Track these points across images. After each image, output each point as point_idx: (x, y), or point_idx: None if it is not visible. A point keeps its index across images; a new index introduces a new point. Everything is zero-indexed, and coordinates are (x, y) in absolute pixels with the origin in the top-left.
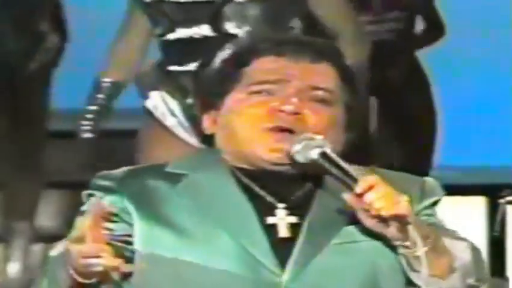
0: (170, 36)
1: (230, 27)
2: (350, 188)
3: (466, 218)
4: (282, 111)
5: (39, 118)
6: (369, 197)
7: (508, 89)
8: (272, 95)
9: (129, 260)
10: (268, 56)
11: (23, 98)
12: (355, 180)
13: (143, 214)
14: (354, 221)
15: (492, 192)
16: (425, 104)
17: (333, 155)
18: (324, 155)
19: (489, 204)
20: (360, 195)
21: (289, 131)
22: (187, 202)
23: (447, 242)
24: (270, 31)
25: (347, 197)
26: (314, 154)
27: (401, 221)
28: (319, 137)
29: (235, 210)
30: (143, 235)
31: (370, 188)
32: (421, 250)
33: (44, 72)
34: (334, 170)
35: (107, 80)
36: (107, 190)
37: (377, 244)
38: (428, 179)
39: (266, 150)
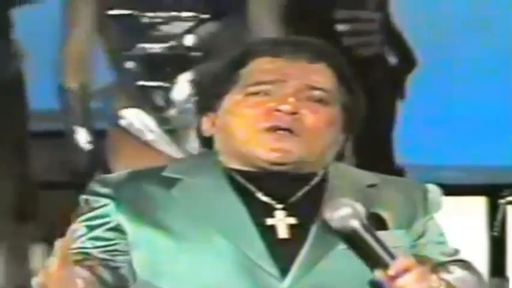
0: (137, 51)
1: (195, 44)
2: (383, 265)
3: (466, 218)
4: (279, 110)
5: (23, 120)
6: (402, 281)
7: (508, 88)
8: (269, 96)
9: (115, 272)
10: (264, 56)
11: (5, 100)
12: (391, 258)
13: (137, 222)
14: None
15: (492, 192)
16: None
17: (372, 228)
18: (364, 225)
19: (489, 204)
20: (392, 277)
21: (288, 130)
22: (182, 207)
23: (455, 281)
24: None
25: (378, 274)
26: (355, 223)
27: None
28: (358, 205)
29: (231, 214)
30: (137, 243)
31: (405, 271)
32: None
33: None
34: (372, 243)
35: (73, 86)
36: (102, 196)
37: None
38: (431, 186)
39: (265, 150)
